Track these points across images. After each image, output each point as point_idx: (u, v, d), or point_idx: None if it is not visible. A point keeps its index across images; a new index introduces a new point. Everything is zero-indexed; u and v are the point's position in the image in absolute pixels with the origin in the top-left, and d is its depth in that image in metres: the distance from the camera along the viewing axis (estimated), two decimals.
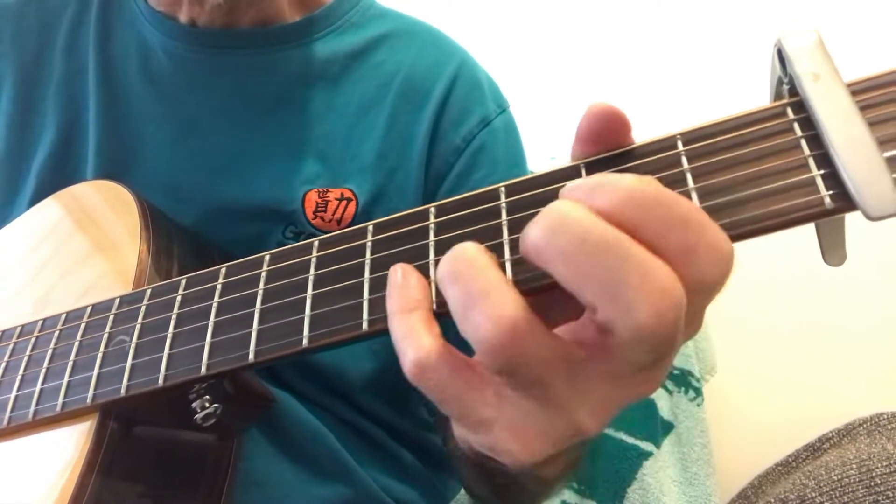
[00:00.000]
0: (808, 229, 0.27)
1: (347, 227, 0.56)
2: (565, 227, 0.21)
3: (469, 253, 0.24)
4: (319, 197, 0.56)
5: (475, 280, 0.23)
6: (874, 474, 0.73)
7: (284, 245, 0.55)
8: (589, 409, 0.24)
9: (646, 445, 0.90)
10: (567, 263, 0.21)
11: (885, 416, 0.88)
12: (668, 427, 0.94)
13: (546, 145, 0.98)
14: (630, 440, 0.90)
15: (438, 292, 0.28)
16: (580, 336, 0.25)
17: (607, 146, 0.27)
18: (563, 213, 0.22)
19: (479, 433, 0.25)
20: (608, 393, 0.24)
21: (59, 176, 0.59)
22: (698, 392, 0.98)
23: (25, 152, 0.61)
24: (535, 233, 0.22)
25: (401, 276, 0.28)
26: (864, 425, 0.90)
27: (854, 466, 0.75)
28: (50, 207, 0.55)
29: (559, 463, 0.37)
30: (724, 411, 1.02)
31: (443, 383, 0.25)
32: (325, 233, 0.56)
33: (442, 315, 0.28)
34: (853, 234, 0.28)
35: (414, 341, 0.25)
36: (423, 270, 0.29)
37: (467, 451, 0.34)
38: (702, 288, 0.22)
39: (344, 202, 0.57)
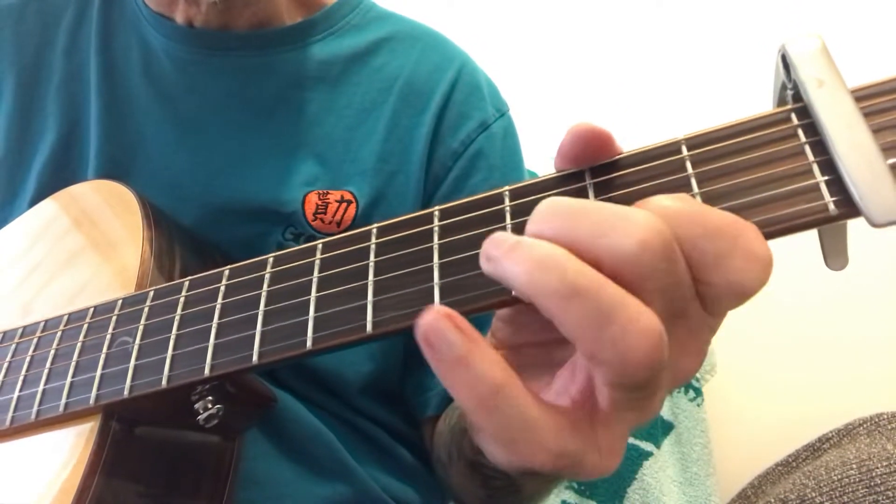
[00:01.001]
0: (810, 232, 0.27)
1: (348, 230, 0.56)
2: (556, 207, 0.23)
3: (577, 264, 0.22)
4: (319, 199, 0.57)
5: (603, 291, 0.21)
6: (874, 474, 0.73)
7: (284, 246, 0.56)
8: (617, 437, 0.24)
9: (646, 445, 0.90)
10: (563, 232, 0.22)
11: (885, 416, 0.89)
12: (668, 427, 0.94)
13: (547, 146, 0.98)
14: (630, 440, 0.90)
15: (443, 297, 0.28)
16: None
17: (590, 164, 0.28)
18: (551, 201, 0.23)
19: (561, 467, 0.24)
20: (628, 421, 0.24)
21: (60, 176, 0.59)
22: (698, 392, 0.98)
23: (26, 153, 0.61)
24: (539, 224, 0.23)
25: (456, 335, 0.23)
26: (864, 425, 0.90)
27: (854, 466, 0.76)
28: (48, 207, 0.55)
29: None
30: (724, 411, 1.03)
31: (575, 454, 0.23)
32: (325, 235, 0.56)
33: None
34: (854, 234, 0.28)
35: (539, 435, 0.23)
36: (427, 274, 0.29)
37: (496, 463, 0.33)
38: (737, 293, 0.22)
39: (344, 204, 0.57)
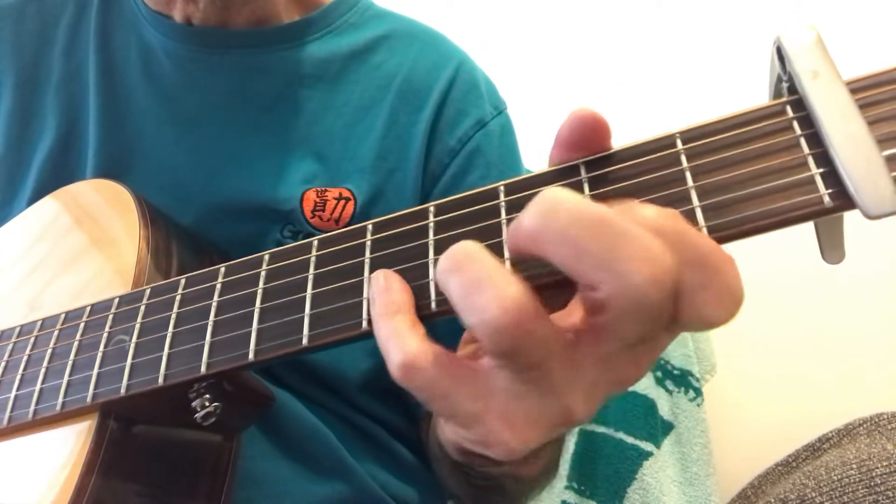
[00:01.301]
0: (807, 228, 0.27)
1: (346, 227, 0.56)
2: (560, 209, 0.22)
3: (467, 246, 0.24)
4: (318, 196, 0.57)
5: (476, 267, 0.23)
6: (874, 474, 0.73)
7: (283, 244, 0.55)
8: (580, 393, 0.25)
9: (646, 445, 0.90)
10: (564, 243, 0.22)
11: (885, 416, 0.88)
12: (668, 427, 0.94)
13: (546, 145, 0.98)
14: (630, 440, 0.90)
15: (438, 291, 0.28)
16: (567, 322, 0.26)
17: (586, 152, 0.28)
18: (556, 197, 0.23)
19: (472, 428, 0.26)
20: (599, 376, 0.25)
21: (59, 175, 0.59)
22: (698, 392, 0.98)
23: (25, 152, 0.61)
24: (530, 219, 0.23)
25: (383, 281, 0.29)
26: (864, 425, 0.90)
27: (854, 466, 0.75)
28: (48, 206, 0.55)
29: (540, 461, 0.38)
30: (724, 411, 1.02)
31: (430, 381, 0.25)
32: (324, 232, 0.56)
33: (439, 315, 0.28)
34: (853, 232, 0.28)
35: (398, 343, 0.26)
36: (423, 269, 0.29)
37: (452, 452, 0.34)
38: (707, 325, 0.23)
39: (342, 202, 0.57)
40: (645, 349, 0.25)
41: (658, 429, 0.92)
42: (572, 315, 0.27)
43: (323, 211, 0.56)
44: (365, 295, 0.30)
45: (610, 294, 0.22)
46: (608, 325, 0.23)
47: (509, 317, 0.22)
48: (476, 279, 0.23)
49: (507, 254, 0.27)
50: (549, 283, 0.26)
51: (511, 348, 0.23)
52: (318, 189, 0.57)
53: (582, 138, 0.27)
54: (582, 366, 0.24)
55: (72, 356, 0.40)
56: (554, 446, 0.39)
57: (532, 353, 0.23)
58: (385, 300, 0.28)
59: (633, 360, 0.25)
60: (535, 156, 0.84)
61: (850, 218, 0.25)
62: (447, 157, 0.60)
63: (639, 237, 0.22)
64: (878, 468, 0.74)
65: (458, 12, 1.35)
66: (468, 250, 0.24)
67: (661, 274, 0.21)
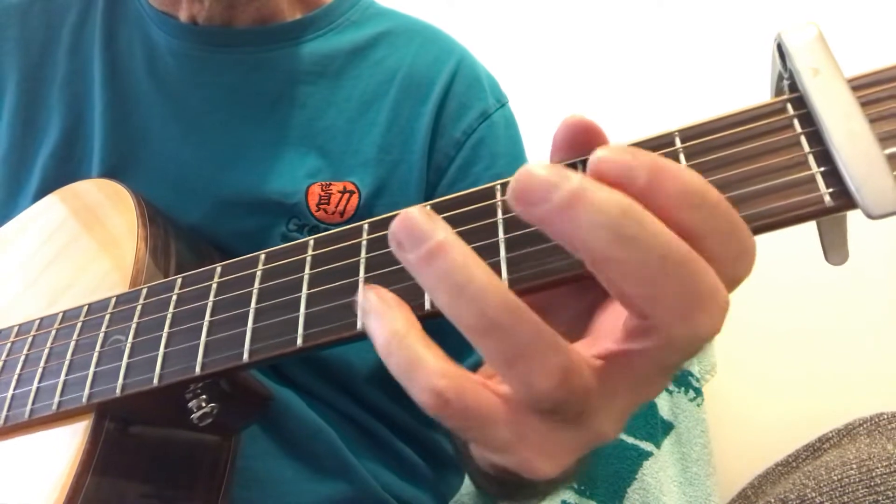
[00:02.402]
0: (810, 227, 0.27)
1: (351, 220, 0.57)
2: (642, 240, 0.19)
3: (508, 300, 0.21)
4: (322, 190, 0.57)
5: (517, 329, 0.20)
6: (874, 474, 0.73)
7: (288, 237, 0.57)
8: (612, 417, 0.24)
9: (646, 445, 0.90)
10: (640, 280, 0.20)
11: (885, 416, 0.88)
12: (668, 427, 0.94)
13: (546, 144, 0.98)
14: (630, 440, 0.90)
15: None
16: (595, 348, 0.24)
17: (583, 153, 0.27)
18: (638, 221, 0.19)
19: (505, 455, 0.24)
20: (631, 399, 0.24)
21: (63, 172, 0.59)
22: (698, 392, 0.98)
23: (30, 149, 0.62)
24: (606, 242, 0.19)
25: (377, 298, 0.24)
26: (864, 425, 0.89)
27: (854, 466, 0.75)
28: (49, 204, 0.55)
29: (576, 465, 0.37)
30: (724, 411, 1.02)
31: (463, 414, 0.22)
32: (329, 225, 0.57)
33: (432, 316, 0.27)
34: (855, 232, 0.28)
35: (423, 374, 0.22)
36: None
37: (484, 465, 0.33)
38: (731, 286, 0.22)
39: (347, 195, 0.58)
40: (663, 376, 0.24)
41: (658, 429, 0.92)
42: (599, 340, 0.26)
43: (328, 204, 0.57)
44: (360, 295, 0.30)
45: (666, 330, 0.21)
46: (649, 352, 0.22)
47: (559, 387, 0.21)
48: (518, 346, 0.21)
49: (503, 253, 0.27)
50: (543, 285, 0.26)
51: (554, 409, 0.22)
52: (323, 183, 0.58)
53: (576, 143, 0.27)
54: (616, 392, 0.23)
55: (68, 356, 0.40)
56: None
57: (575, 406, 0.22)
58: (389, 318, 0.24)
59: (665, 378, 0.24)
60: (537, 153, 0.84)
61: (852, 217, 0.25)
62: (453, 150, 0.61)
63: (713, 282, 0.20)
64: (878, 468, 0.73)
65: (459, 11, 1.35)
66: (506, 308, 0.20)
67: (722, 320, 0.21)
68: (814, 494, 0.75)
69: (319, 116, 0.60)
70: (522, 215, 0.20)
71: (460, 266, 0.21)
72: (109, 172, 0.58)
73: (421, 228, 0.21)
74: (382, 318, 0.24)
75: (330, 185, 0.58)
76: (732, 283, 0.22)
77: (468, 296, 0.20)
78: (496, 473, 0.35)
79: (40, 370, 0.41)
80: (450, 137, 0.61)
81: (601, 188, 0.19)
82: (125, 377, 0.36)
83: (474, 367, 0.58)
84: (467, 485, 0.81)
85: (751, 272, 0.22)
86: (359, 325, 0.29)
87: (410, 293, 0.28)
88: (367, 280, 0.30)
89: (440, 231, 0.21)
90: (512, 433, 0.23)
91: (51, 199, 0.56)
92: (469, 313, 0.21)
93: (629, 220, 0.19)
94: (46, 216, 0.54)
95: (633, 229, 0.19)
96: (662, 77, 1.20)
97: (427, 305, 0.28)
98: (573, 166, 0.28)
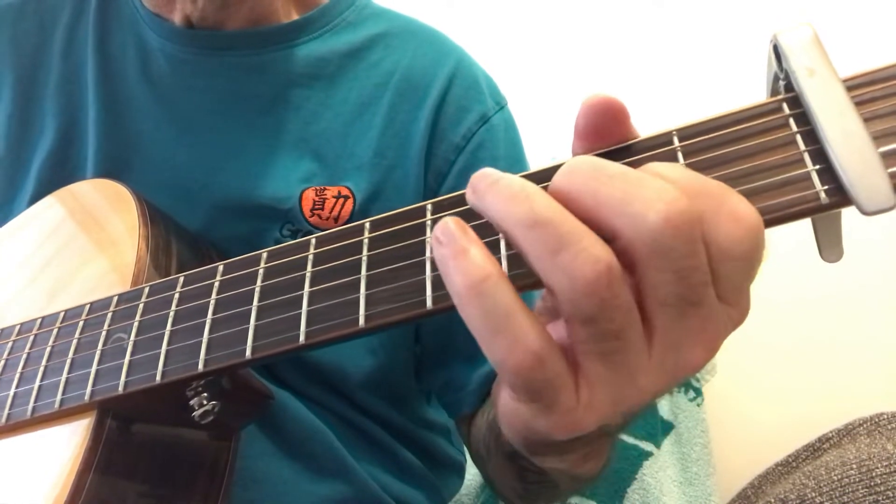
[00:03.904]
0: (805, 226, 0.27)
1: (345, 225, 0.56)
2: (583, 164, 0.24)
3: (552, 205, 0.23)
4: (317, 195, 0.57)
5: (563, 222, 0.22)
6: (874, 474, 0.73)
7: (282, 242, 0.56)
8: (652, 371, 0.24)
9: (646, 445, 0.90)
10: (586, 193, 0.23)
11: (885, 416, 0.88)
12: (668, 427, 0.94)
13: (547, 145, 0.98)
14: (630, 440, 0.90)
15: (435, 289, 0.28)
16: None
17: (608, 139, 0.27)
18: (581, 157, 0.24)
19: (554, 415, 0.24)
20: (665, 354, 0.24)
21: (59, 175, 0.59)
22: (698, 392, 0.98)
23: (25, 151, 0.61)
24: (558, 177, 0.24)
25: (459, 230, 0.24)
26: (864, 425, 0.89)
27: (854, 466, 0.75)
28: (48, 206, 0.55)
29: (601, 460, 0.37)
30: (724, 411, 1.02)
31: (553, 375, 0.23)
32: (323, 230, 0.56)
33: (433, 314, 0.28)
34: (851, 231, 0.28)
35: (520, 324, 0.23)
36: (420, 267, 0.29)
37: (515, 440, 0.32)
38: (729, 258, 0.22)
39: (341, 200, 0.57)
40: (697, 319, 0.23)
41: (658, 429, 0.92)
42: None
43: (322, 209, 0.56)
44: (362, 292, 0.30)
45: (629, 239, 0.22)
46: (641, 282, 0.23)
47: (602, 276, 0.21)
48: (563, 234, 0.22)
49: (503, 250, 0.27)
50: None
51: (596, 312, 0.22)
52: (317, 188, 0.57)
53: (600, 127, 0.27)
54: (651, 341, 0.24)
55: (70, 354, 0.40)
56: (612, 445, 0.38)
57: (615, 319, 0.22)
58: (478, 259, 0.23)
59: (689, 334, 0.24)
60: (537, 155, 0.84)
61: (849, 216, 0.25)
62: (453, 154, 0.60)
63: (653, 182, 0.22)
64: (878, 468, 0.74)
65: (458, 12, 1.35)
66: (553, 208, 0.23)
67: (676, 214, 0.21)
68: (814, 494, 0.75)
69: (314, 120, 0.59)
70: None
71: (519, 180, 0.24)
72: (104, 175, 0.57)
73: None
74: (467, 254, 0.24)
75: (324, 189, 0.57)
76: (724, 253, 0.23)
77: (523, 193, 0.23)
78: (528, 451, 0.34)
79: (42, 368, 0.41)
80: (449, 142, 0.60)
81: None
82: (127, 375, 0.37)
83: (487, 379, 0.57)
84: (467, 485, 0.81)
85: (751, 243, 0.22)
86: (361, 318, 0.29)
87: (412, 291, 0.29)
88: (369, 277, 0.30)
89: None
90: (575, 394, 0.24)
91: (50, 200, 0.56)
92: (520, 209, 0.23)
93: (571, 161, 0.24)
94: (45, 216, 0.54)
95: (573, 163, 0.24)
96: (660, 77, 1.21)
97: (429, 304, 0.28)
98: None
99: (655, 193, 0.22)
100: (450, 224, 0.24)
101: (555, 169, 0.28)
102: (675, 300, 0.23)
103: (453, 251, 0.23)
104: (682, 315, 0.23)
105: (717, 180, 0.24)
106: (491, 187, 0.24)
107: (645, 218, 0.21)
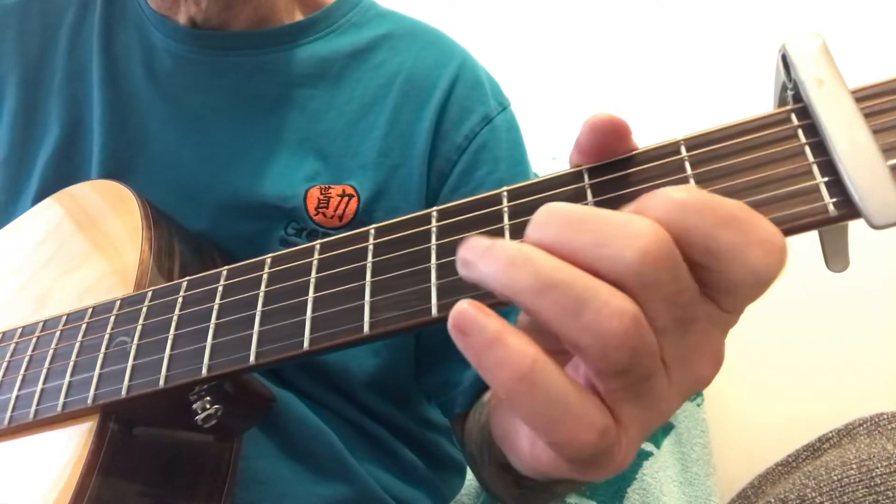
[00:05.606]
0: (811, 233, 0.27)
1: (350, 224, 0.57)
2: (555, 212, 0.23)
3: (556, 264, 0.22)
4: (321, 193, 0.57)
5: (575, 281, 0.22)
6: (874, 474, 0.73)
7: (287, 241, 0.56)
8: (672, 395, 0.24)
9: (646, 445, 0.90)
10: (562, 245, 0.23)
11: (885, 416, 0.88)
12: (668, 427, 0.94)
13: (548, 146, 0.98)
14: None
15: (440, 297, 0.28)
16: None
17: (609, 155, 0.27)
18: (550, 205, 0.24)
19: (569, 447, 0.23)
20: (681, 375, 0.24)
21: (63, 174, 0.59)
22: (698, 392, 0.98)
23: (29, 151, 0.61)
24: (531, 230, 0.24)
25: (482, 316, 0.23)
26: (864, 425, 0.90)
27: (854, 466, 0.76)
28: (51, 206, 0.55)
29: None
30: (724, 411, 1.02)
31: (614, 438, 0.23)
32: (328, 229, 0.57)
33: (438, 321, 0.27)
34: (855, 234, 0.28)
35: (581, 409, 0.22)
36: (425, 274, 0.29)
37: (525, 473, 0.32)
38: (757, 283, 0.22)
39: (346, 199, 0.57)
40: (696, 335, 0.23)
41: (658, 429, 0.92)
42: None
43: (326, 208, 0.57)
44: (366, 299, 0.30)
45: (615, 280, 0.22)
46: (645, 311, 0.22)
47: (630, 328, 0.21)
48: (580, 295, 0.21)
49: None
50: None
51: (628, 363, 0.22)
52: (322, 186, 0.57)
53: (601, 145, 0.27)
54: (670, 367, 0.24)
55: (73, 357, 0.40)
56: None
57: (647, 364, 0.22)
58: (515, 353, 0.22)
59: (694, 350, 0.24)
60: (538, 155, 0.84)
61: (852, 222, 0.25)
62: (455, 154, 0.61)
63: (622, 219, 0.22)
64: (878, 468, 0.74)
65: (460, 13, 1.34)
66: (559, 267, 0.22)
67: (653, 245, 0.21)
68: (814, 494, 0.75)
69: (318, 119, 0.60)
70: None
71: (512, 243, 0.23)
72: (109, 175, 0.57)
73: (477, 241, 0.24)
74: (504, 342, 0.22)
75: (329, 188, 0.57)
76: (752, 276, 0.22)
77: (522, 257, 0.22)
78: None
79: (45, 371, 0.41)
80: (451, 142, 0.60)
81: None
82: (131, 378, 0.37)
83: (479, 378, 0.57)
84: (467, 486, 0.81)
85: (778, 266, 0.22)
86: (366, 325, 0.29)
87: (417, 299, 0.29)
88: (374, 283, 0.30)
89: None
90: (618, 440, 0.23)
91: (51, 202, 0.56)
92: (524, 275, 0.22)
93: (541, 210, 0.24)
94: (47, 219, 0.54)
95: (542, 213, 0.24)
96: (662, 78, 1.20)
97: (434, 312, 0.28)
98: (577, 175, 0.28)
99: (627, 230, 0.21)
100: (468, 311, 0.23)
101: (559, 178, 0.28)
102: (675, 324, 0.23)
103: (485, 341, 0.22)
104: (684, 333, 0.23)
105: (730, 194, 0.24)
106: (484, 256, 0.23)
107: (623, 257, 0.21)
